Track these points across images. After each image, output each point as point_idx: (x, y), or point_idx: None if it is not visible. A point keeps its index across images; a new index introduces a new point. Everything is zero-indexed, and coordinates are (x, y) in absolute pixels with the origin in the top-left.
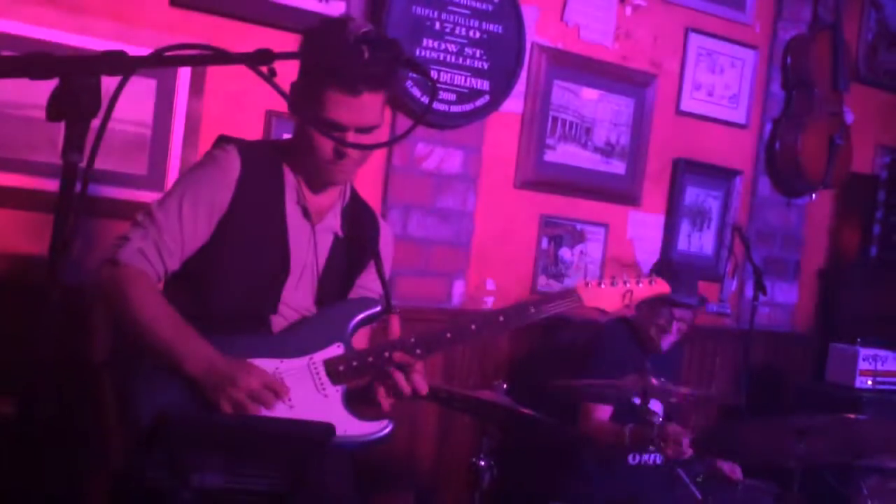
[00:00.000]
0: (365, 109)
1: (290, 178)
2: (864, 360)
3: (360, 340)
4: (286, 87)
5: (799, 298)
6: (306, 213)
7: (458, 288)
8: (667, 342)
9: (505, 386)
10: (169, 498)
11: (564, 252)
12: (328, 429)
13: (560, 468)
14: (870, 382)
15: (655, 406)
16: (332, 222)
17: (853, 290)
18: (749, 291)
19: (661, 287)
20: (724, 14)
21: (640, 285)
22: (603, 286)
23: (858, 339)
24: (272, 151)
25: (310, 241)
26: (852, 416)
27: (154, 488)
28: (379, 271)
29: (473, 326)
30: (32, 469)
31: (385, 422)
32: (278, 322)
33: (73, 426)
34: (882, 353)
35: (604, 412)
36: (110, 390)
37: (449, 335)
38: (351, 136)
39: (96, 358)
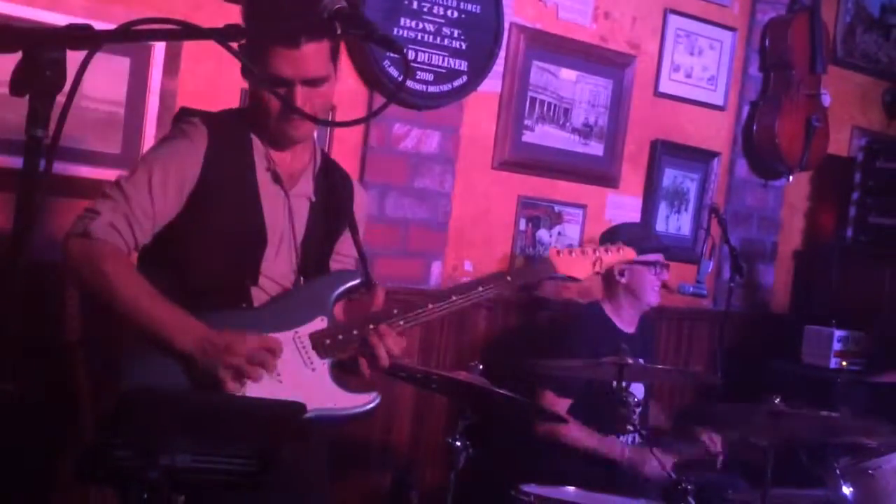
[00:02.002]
0: (308, 60)
1: (257, 144)
2: (838, 341)
3: (337, 312)
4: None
5: (775, 280)
6: (277, 179)
7: (436, 269)
8: (656, 296)
9: (481, 367)
10: (136, 477)
11: (542, 233)
12: (298, 407)
13: (535, 448)
14: (844, 364)
15: (636, 389)
16: (305, 187)
17: (829, 271)
18: (726, 273)
19: (628, 253)
20: None
21: (609, 253)
22: (574, 255)
23: (833, 321)
24: (237, 120)
25: (284, 207)
26: (826, 412)
27: (121, 467)
28: (355, 239)
29: (454, 297)
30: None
31: (374, 394)
32: (259, 294)
33: (41, 405)
34: (856, 334)
35: (561, 405)
36: (83, 368)
37: (430, 305)
38: (299, 90)
39: (68, 336)
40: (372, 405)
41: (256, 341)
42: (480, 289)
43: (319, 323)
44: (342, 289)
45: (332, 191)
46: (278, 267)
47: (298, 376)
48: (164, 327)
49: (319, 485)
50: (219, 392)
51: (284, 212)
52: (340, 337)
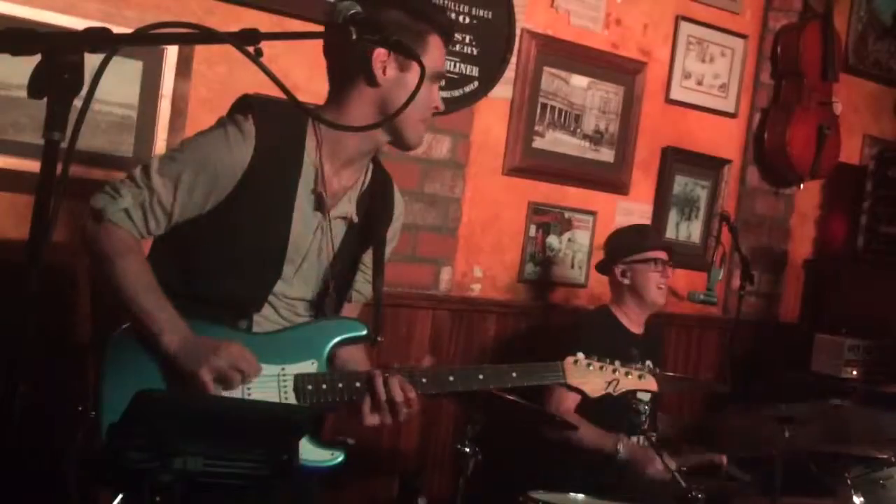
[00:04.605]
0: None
1: (311, 156)
2: (849, 350)
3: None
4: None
5: (786, 288)
6: (320, 202)
7: (446, 274)
8: (660, 295)
9: None
10: (147, 480)
11: (552, 240)
12: (310, 413)
13: (544, 454)
14: (854, 373)
15: (643, 394)
16: (347, 207)
17: (840, 280)
18: (736, 281)
19: (650, 385)
20: (714, 2)
21: (629, 377)
22: (590, 368)
23: (844, 330)
24: (299, 124)
25: (318, 230)
26: (837, 401)
27: (133, 470)
28: (378, 272)
29: (451, 378)
30: (13, 451)
31: (337, 452)
32: (266, 310)
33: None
34: (867, 343)
35: (571, 399)
36: (94, 370)
37: (425, 380)
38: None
39: (80, 338)
40: (332, 463)
41: (239, 349)
42: (480, 377)
43: (309, 366)
44: (343, 338)
45: (373, 210)
46: (295, 287)
47: None
48: (154, 323)
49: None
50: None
51: (318, 233)
52: (323, 386)
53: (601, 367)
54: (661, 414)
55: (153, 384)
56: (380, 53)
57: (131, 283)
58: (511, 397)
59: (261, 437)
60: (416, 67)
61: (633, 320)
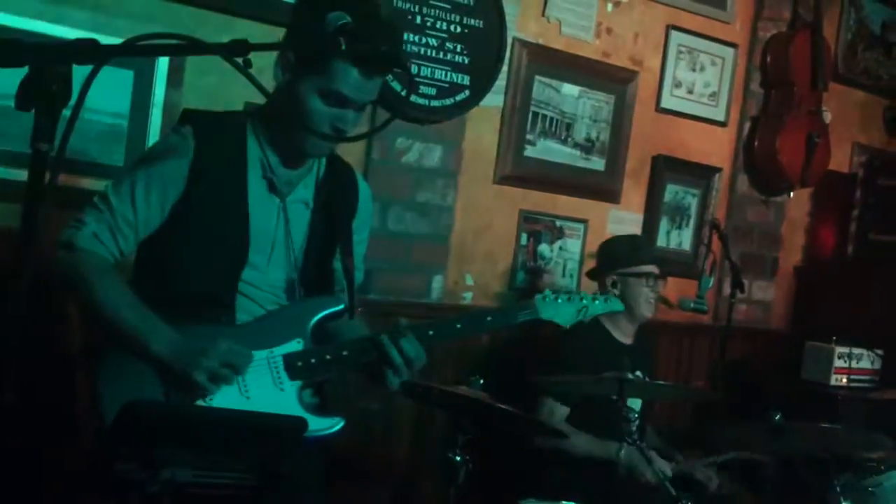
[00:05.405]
0: (373, 90)
1: (255, 150)
2: (839, 358)
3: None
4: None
5: (776, 296)
6: (273, 186)
7: (437, 283)
8: (649, 308)
9: (481, 381)
10: (136, 491)
11: (544, 248)
12: (301, 423)
13: (535, 463)
14: (844, 381)
15: (634, 402)
16: (304, 193)
17: (829, 287)
18: (727, 288)
19: (615, 305)
20: (704, 12)
21: (596, 302)
22: (559, 300)
23: (834, 338)
24: (237, 124)
25: (279, 215)
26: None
27: (122, 480)
28: (345, 254)
29: (431, 332)
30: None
31: (337, 419)
32: (246, 304)
33: (43, 417)
34: (857, 351)
35: (561, 411)
36: (83, 380)
37: (431, 332)
38: (351, 115)
39: (69, 348)
40: (333, 429)
41: (227, 345)
42: (458, 326)
43: (295, 345)
44: (323, 314)
45: (335, 195)
46: (271, 274)
47: (266, 394)
48: (140, 333)
49: (317, 489)
50: (192, 396)
51: (279, 219)
52: (313, 360)
53: (569, 298)
54: (648, 426)
55: (152, 391)
56: None
57: (112, 303)
58: (502, 406)
59: (251, 447)
60: None
61: (622, 330)
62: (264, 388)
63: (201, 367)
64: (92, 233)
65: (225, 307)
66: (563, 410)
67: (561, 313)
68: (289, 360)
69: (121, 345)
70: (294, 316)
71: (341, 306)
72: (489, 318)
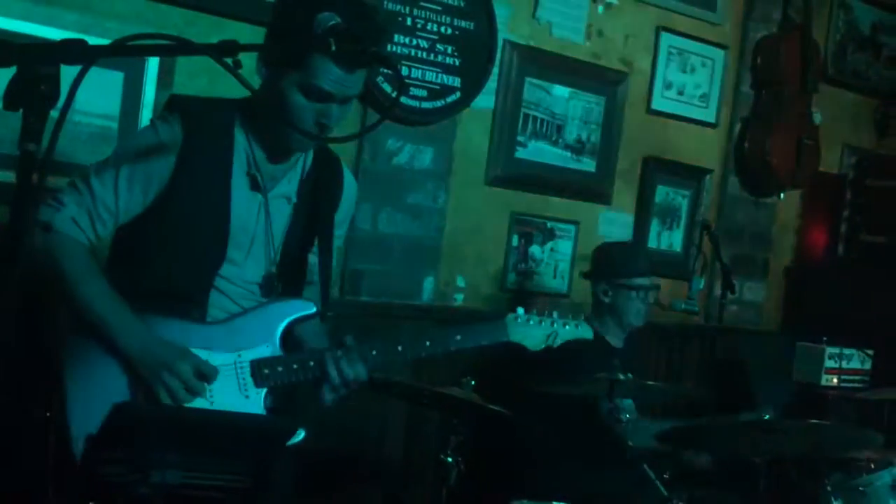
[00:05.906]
0: (355, 84)
1: (241, 143)
2: (829, 358)
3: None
4: (252, 80)
5: (766, 297)
6: (256, 183)
7: (428, 284)
8: (639, 319)
9: (473, 383)
10: (126, 494)
11: (535, 249)
12: (292, 425)
13: (526, 465)
14: (835, 381)
15: (626, 403)
16: (287, 188)
17: (820, 288)
18: (717, 289)
19: (585, 332)
20: (694, 13)
21: (567, 328)
22: (531, 322)
23: (824, 338)
24: (225, 114)
25: (260, 210)
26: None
27: (112, 483)
28: (325, 248)
29: (399, 348)
30: None
31: (299, 429)
32: (220, 299)
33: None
34: (847, 351)
35: None
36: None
37: (374, 352)
38: (335, 109)
39: (55, 346)
40: (295, 440)
41: (191, 368)
42: (428, 343)
43: (264, 350)
44: (293, 318)
45: (319, 189)
46: (248, 270)
47: (230, 401)
48: (110, 325)
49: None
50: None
51: (259, 215)
52: (279, 368)
53: (540, 322)
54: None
55: (116, 387)
56: None
57: (85, 289)
58: (494, 408)
59: (241, 449)
60: None
61: (612, 334)
62: (229, 394)
63: (162, 384)
64: (71, 217)
65: (197, 303)
66: None
67: (530, 336)
68: (255, 367)
69: (92, 333)
70: (264, 319)
71: (312, 311)
72: (458, 338)
